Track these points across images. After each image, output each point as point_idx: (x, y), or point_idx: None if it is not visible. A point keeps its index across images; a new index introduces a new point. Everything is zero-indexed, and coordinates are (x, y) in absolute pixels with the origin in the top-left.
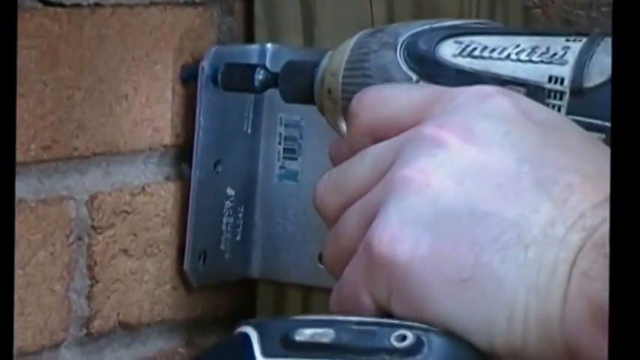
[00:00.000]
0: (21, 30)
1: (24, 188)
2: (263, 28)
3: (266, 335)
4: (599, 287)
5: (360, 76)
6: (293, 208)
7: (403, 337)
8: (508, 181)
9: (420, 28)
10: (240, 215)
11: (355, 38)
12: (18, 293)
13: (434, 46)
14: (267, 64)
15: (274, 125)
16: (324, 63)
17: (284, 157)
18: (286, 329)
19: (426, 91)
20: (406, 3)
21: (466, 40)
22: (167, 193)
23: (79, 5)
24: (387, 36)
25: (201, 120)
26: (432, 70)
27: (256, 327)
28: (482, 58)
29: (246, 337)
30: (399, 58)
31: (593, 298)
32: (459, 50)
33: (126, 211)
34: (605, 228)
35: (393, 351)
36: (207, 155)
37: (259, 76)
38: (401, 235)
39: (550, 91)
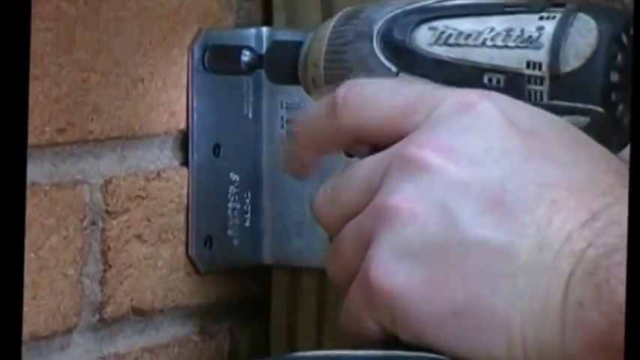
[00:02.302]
0: (37, 12)
1: (38, 171)
2: (282, 12)
3: None
4: (595, 317)
5: (340, 68)
6: (301, 192)
7: None
8: (492, 204)
9: (392, 13)
10: (248, 201)
11: (331, 25)
12: (31, 277)
13: (409, 35)
14: (264, 48)
15: (276, 109)
16: (304, 49)
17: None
18: None
19: (409, 95)
20: None
21: (440, 25)
22: (182, 179)
23: None
24: (362, 24)
25: (194, 104)
26: (410, 61)
27: None
28: (459, 45)
29: None
30: (376, 50)
31: (591, 329)
32: (434, 38)
33: (140, 196)
34: (593, 252)
35: None
36: (205, 140)
37: (245, 57)
38: (394, 268)
39: (529, 77)
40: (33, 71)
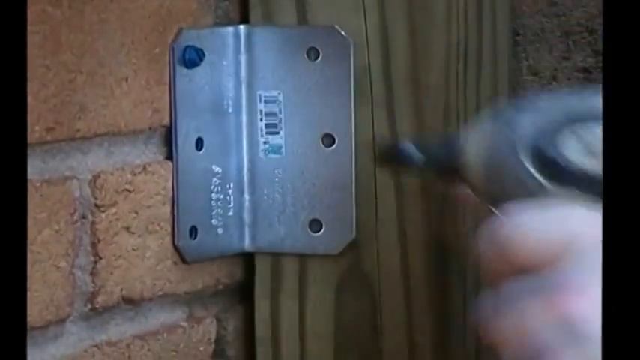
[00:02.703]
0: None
1: (29, 169)
2: (258, 10)
3: None
4: None
5: (496, 185)
6: (279, 180)
7: None
8: None
9: (532, 120)
10: (230, 192)
11: (487, 135)
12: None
13: (559, 148)
14: (242, 45)
15: (254, 102)
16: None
17: (267, 133)
18: None
19: (554, 236)
20: None
21: (586, 133)
22: (167, 172)
23: None
24: (505, 129)
25: (176, 100)
26: (564, 178)
27: None
28: None
29: None
30: (527, 165)
31: None
32: (582, 147)
33: (127, 190)
34: None
35: None
36: (188, 134)
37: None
38: None
39: None
40: None
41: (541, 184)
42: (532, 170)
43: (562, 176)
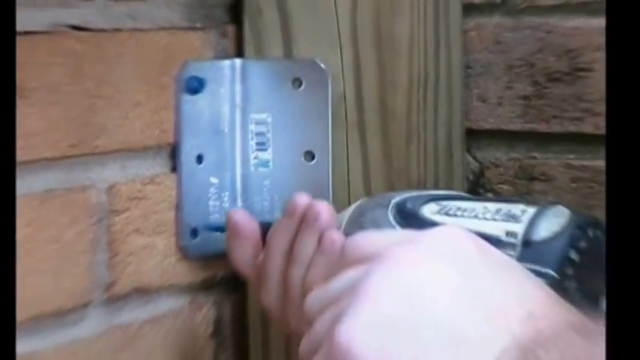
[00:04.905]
0: (53, 50)
1: (54, 179)
2: (251, 46)
3: None
4: None
5: (356, 228)
6: (268, 189)
7: None
8: (449, 296)
9: (409, 194)
10: (226, 199)
11: (357, 203)
12: (52, 265)
13: (419, 207)
14: (237, 75)
15: (247, 124)
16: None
17: (257, 149)
18: None
19: (402, 233)
20: (368, 24)
21: (445, 203)
22: (172, 183)
23: (101, 29)
24: (382, 199)
25: (180, 122)
26: (414, 223)
27: None
28: (455, 216)
29: None
30: (389, 214)
31: None
32: (438, 209)
33: (138, 198)
34: (527, 334)
35: None
36: (190, 151)
37: None
38: (355, 334)
39: (506, 243)
40: (51, 97)
41: (395, 229)
42: (392, 220)
43: (415, 224)
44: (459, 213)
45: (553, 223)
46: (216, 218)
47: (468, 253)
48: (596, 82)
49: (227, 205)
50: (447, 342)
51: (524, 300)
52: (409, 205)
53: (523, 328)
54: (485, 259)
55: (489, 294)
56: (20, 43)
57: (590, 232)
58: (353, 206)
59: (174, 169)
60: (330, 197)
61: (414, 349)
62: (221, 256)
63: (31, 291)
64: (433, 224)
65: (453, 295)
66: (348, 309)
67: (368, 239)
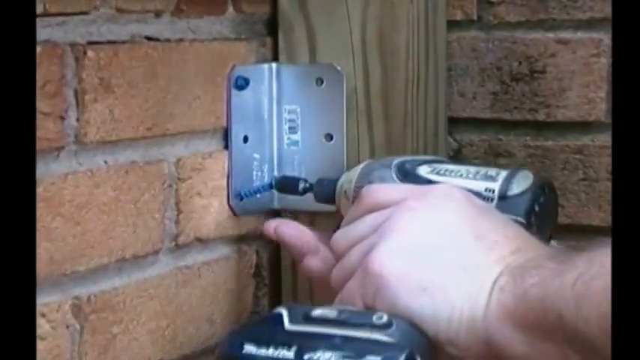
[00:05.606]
0: (134, 55)
1: (135, 154)
2: (284, 54)
3: (293, 312)
4: (510, 297)
5: (366, 182)
6: (297, 163)
7: (380, 317)
8: (457, 234)
9: (406, 158)
10: (265, 170)
11: (364, 164)
12: (133, 220)
13: (415, 167)
14: (274, 76)
15: (281, 113)
16: (342, 178)
17: (289, 132)
18: (306, 309)
19: (409, 186)
20: (374, 37)
21: (436, 165)
22: (224, 157)
23: (169, 40)
24: (385, 161)
25: (231, 111)
26: (412, 180)
27: (287, 308)
28: (445, 175)
29: (279, 314)
30: (392, 172)
31: (506, 305)
32: (430, 170)
33: (199, 169)
34: (516, 263)
35: (373, 325)
36: (238, 133)
37: (300, 185)
38: (386, 260)
39: (485, 197)
40: (132, 92)
41: (397, 182)
42: (395, 177)
43: (413, 180)
44: (447, 173)
45: (522, 183)
46: (257, 185)
47: (463, 203)
48: (549, 82)
49: (265, 175)
50: (458, 266)
51: (511, 238)
52: (407, 166)
53: (514, 257)
54: (476, 209)
55: (486, 233)
56: (108, 50)
57: (547, 190)
58: (361, 165)
59: (226, 147)
60: (344, 169)
61: (433, 271)
62: (261, 214)
63: (116, 240)
64: (428, 181)
65: (460, 232)
66: (378, 242)
67: (383, 190)
